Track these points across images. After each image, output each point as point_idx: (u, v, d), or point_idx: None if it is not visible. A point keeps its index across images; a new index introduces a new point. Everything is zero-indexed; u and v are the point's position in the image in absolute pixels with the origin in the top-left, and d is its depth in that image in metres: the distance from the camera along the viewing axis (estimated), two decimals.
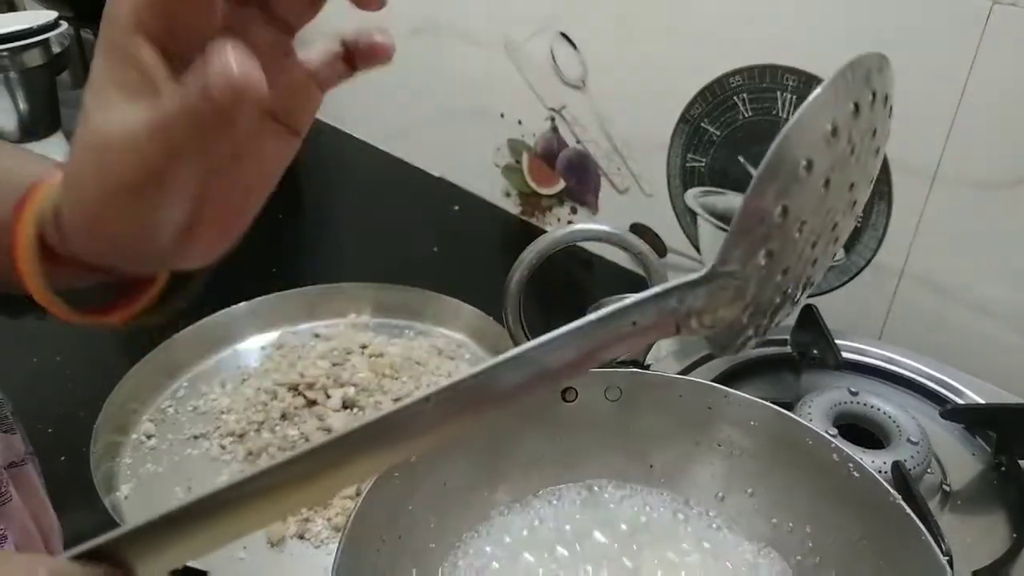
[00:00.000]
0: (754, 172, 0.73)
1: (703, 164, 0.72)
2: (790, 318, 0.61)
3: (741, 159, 0.69)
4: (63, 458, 0.58)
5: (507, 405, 0.23)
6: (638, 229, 0.80)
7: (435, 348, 0.69)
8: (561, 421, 0.44)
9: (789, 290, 0.25)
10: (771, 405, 0.42)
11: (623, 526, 0.42)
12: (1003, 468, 0.52)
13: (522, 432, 0.44)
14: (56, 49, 1.02)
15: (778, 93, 0.65)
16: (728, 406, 0.43)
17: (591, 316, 0.22)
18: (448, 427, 0.23)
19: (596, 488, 0.44)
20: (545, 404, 0.44)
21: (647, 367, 0.51)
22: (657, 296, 0.22)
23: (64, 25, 1.02)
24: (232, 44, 0.21)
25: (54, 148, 1.03)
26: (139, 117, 0.23)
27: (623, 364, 0.45)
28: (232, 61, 0.21)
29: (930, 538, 0.36)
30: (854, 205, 0.26)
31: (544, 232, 0.49)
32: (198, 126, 0.22)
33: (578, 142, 0.83)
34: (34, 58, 0.99)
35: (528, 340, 0.52)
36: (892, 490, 0.38)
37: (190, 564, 0.48)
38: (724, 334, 0.24)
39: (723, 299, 0.22)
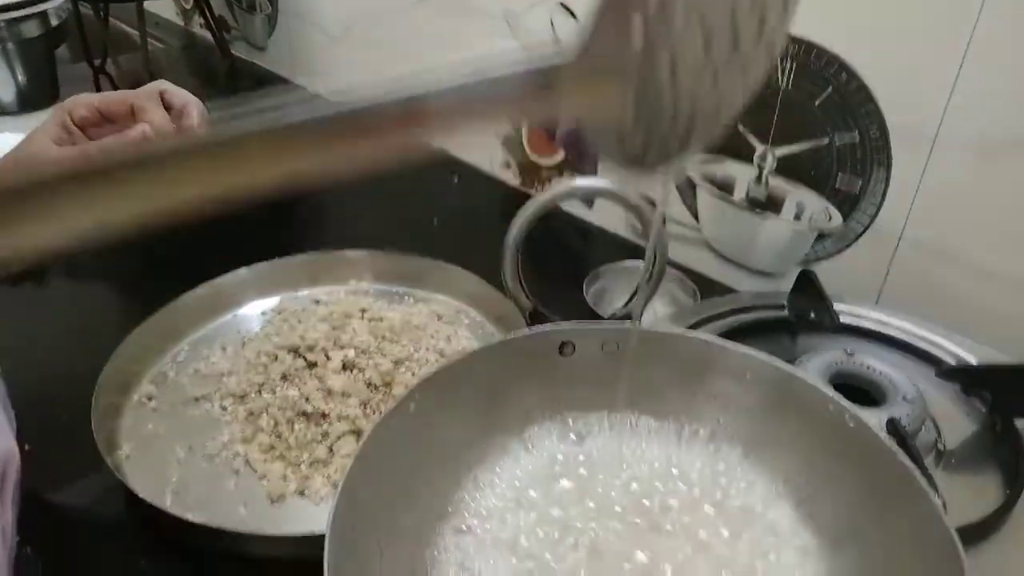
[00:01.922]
0: (754, 141, 0.72)
1: None
2: (787, 282, 0.62)
3: (740, 127, 0.69)
4: (64, 417, 0.58)
5: (382, 141, 0.24)
6: None
7: (434, 314, 0.69)
8: (558, 375, 0.45)
9: (690, 98, 0.22)
10: (768, 358, 0.43)
11: (623, 477, 0.42)
12: (997, 428, 0.52)
13: (519, 386, 0.44)
14: (54, 21, 1.01)
15: (778, 61, 0.65)
16: (725, 359, 0.43)
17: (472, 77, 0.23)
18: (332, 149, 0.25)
19: (594, 441, 0.45)
20: (543, 358, 0.44)
21: None
22: (529, 72, 0.22)
23: None
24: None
25: None
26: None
27: (620, 319, 0.45)
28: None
29: (925, 484, 0.36)
30: (763, 24, 0.23)
31: None
32: None
33: None
34: (31, 29, 0.99)
35: (528, 299, 0.53)
36: (887, 439, 0.38)
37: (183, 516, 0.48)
38: (625, 137, 0.23)
39: (599, 82, 0.21)
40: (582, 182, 0.47)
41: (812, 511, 0.40)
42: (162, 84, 0.50)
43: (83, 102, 0.48)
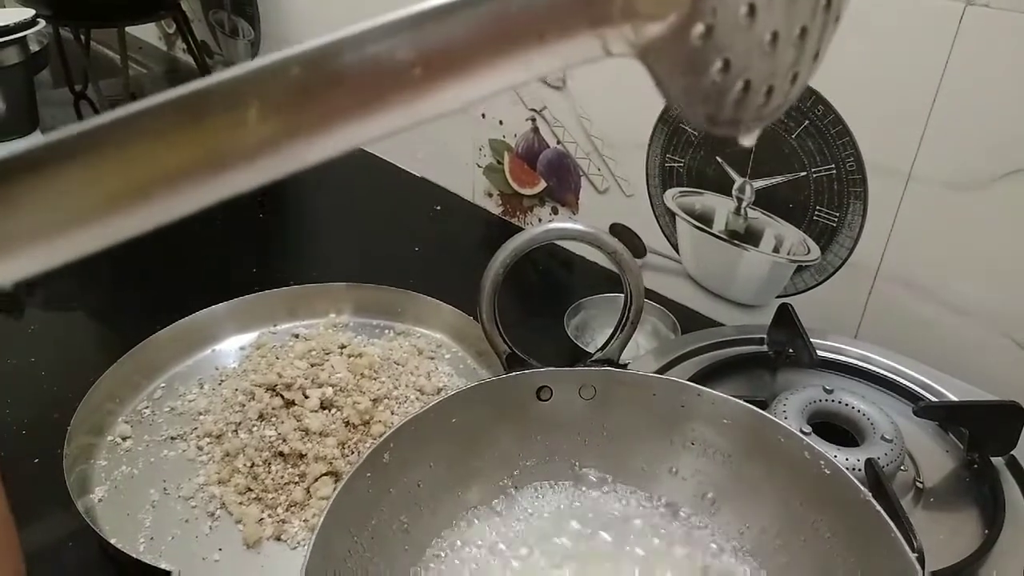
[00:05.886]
0: (733, 173, 0.72)
1: (682, 165, 0.73)
2: (768, 314, 0.62)
3: (719, 159, 0.70)
4: (36, 460, 0.57)
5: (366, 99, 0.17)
6: (618, 229, 0.80)
7: (415, 348, 0.68)
8: (536, 420, 0.44)
9: (775, 55, 0.19)
10: (743, 403, 0.42)
11: (597, 525, 0.42)
12: (976, 465, 0.52)
13: (496, 431, 0.44)
14: (34, 47, 1.01)
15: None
16: (701, 404, 0.43)
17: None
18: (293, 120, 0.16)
19: (570, 487, 0.44)
20: (519, 403, 0.44)
21: (624, 366, 0.51)
22: None
23: (42, 23, 1.01)
24: None
25: None
26: None
27: (598, 363, 0.45)
28: None
29: (900, 536, 0.36)
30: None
31: None
32: None
33: (558, 142, 0.83)
34: (10, 56, 0.98)
35: (503, 340, 0.52)
36: (863, 488, 0.38)
37: (156, 564, 0.47)
38: (689, 81, 0.18)
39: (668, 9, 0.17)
40: (558, 225, 0.47)
41: (787, 561, 0.40)
42: None
43: None
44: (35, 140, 0.15)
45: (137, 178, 0.15)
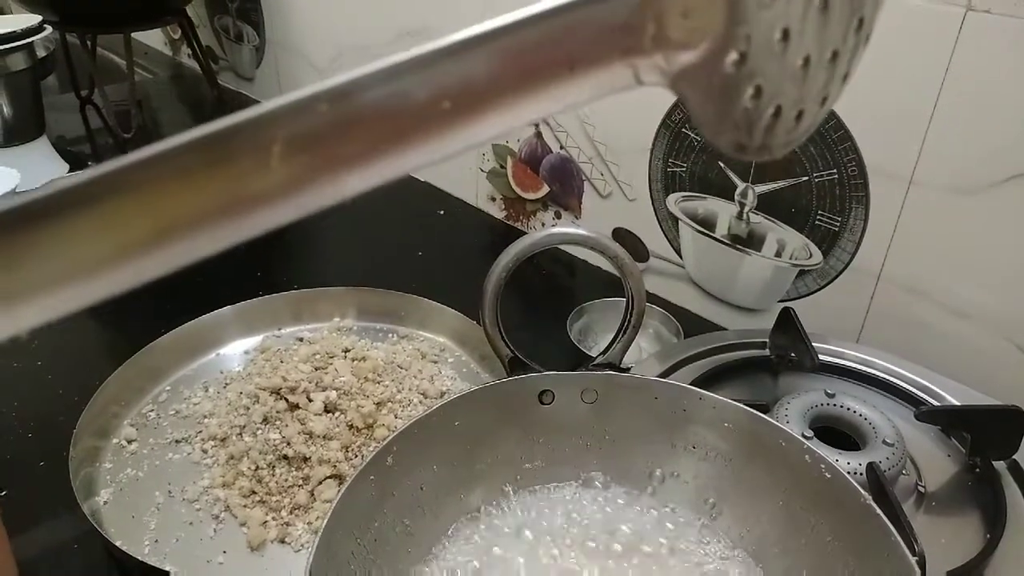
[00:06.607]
0: (735, 178, 0.72)
1: (684, 169, 0.73)
2: (770, 318, 0.62)
3: (721, 164, 0.70)
4: (42, 463, 0.58)
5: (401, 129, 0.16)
6: (621, 234, 0.81)
7: (418, 352, 0.69)
8: (538, 424, 0.45)
9: (804, 81, 0.19)
10: (744, 407, 0.43)
11: (598, 528, 0.42)
12: (977, 469, 0.52)
13: (499, 435, 0.44)
14: (41, 53, 1.01)
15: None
16: (703, 408, 0.43)
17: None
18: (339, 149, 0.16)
19: (572, 491, 0.45)
20: (522, 407, 0.44)
21: (626, 370, 0.51)
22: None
23: (48, 29, 1.02)
24: None
25: (39, 152, 1.03)
26: None
27: (600, 367, 0.45)
28: None
29: (899, 539, 0.36)
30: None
31: None
32: None
33: (561, 147, 0.83)
34: (17, 62, 0.98)
35: (506, 344, 0.53)
36: (863, 491, 0.38)
37: (160, 566, 0.48)
38: (718, 102, 0.18)
39: (704, 23, 0.16)
40: (560, 230, 0.47)
41: (788, 565, 0.40)
42: None
43: None
44: (54, 183, 0.14)
45: (157, 223, 0.15)
